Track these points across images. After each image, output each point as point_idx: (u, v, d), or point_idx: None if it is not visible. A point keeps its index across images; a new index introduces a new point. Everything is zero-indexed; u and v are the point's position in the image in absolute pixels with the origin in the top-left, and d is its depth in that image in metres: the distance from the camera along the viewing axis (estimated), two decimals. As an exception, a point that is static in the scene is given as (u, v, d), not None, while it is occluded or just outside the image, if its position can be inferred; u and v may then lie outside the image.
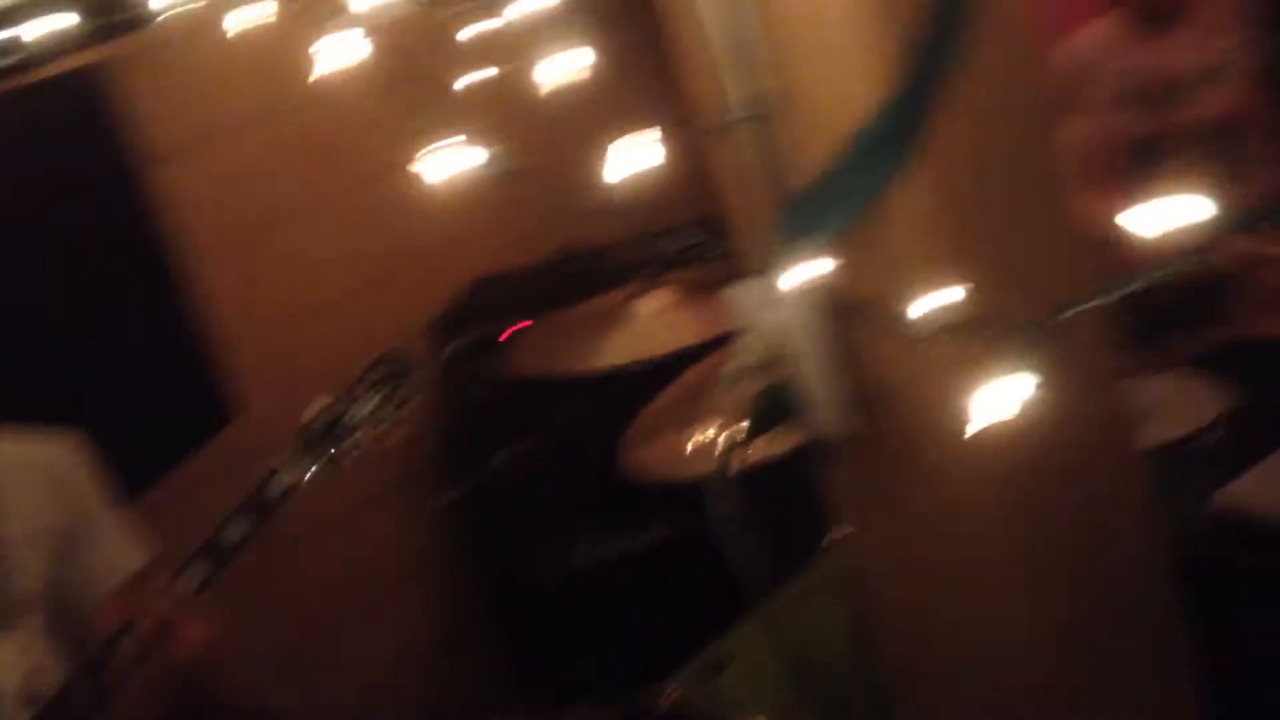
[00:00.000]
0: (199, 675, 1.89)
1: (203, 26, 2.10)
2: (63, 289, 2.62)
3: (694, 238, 2.93)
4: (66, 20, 2.08)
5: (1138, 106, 2.79)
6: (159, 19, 2.06)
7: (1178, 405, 2.35)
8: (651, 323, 2.91)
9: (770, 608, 2.06)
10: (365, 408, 1.89)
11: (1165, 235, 1.03)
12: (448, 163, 1.37)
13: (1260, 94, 2.27)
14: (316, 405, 1.90)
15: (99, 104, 2.74)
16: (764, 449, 1.92)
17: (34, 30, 2.04)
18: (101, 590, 1.98)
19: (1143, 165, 2.84)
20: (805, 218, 1.65)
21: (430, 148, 1.43)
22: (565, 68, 1.46)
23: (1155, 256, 1.05)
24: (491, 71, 1.76)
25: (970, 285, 1.32)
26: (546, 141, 2.51)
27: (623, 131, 1.43)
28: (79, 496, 2.00)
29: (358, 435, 1.88)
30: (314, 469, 1.85)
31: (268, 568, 2.10)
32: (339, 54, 1.60)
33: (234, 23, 1.98)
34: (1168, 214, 1.00)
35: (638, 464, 2.54)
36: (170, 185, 2.87)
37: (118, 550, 2.01)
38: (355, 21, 1.64)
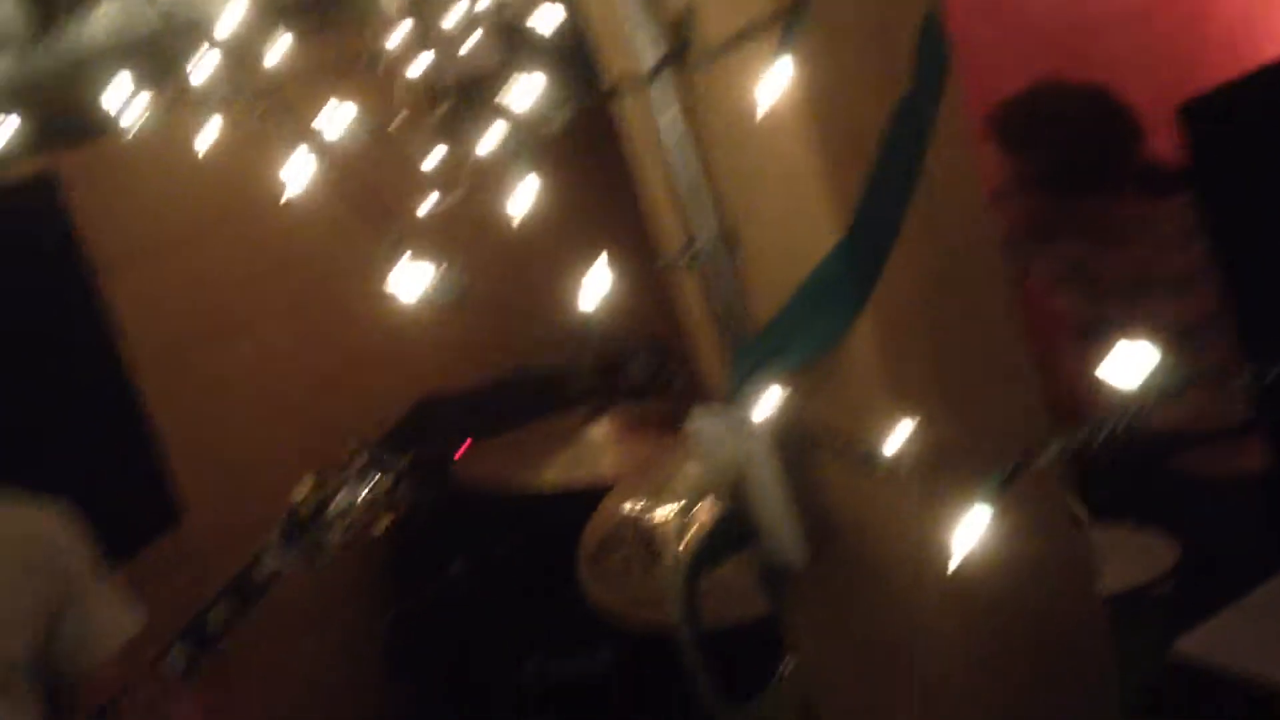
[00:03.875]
0: None
1: (155, 136, 2.08)
2: (8, 393, 2.61)
3: (652, 366, 2.92)
4: (15, 126, 2.06)
5: (1087, 291, 2.81)
6: (111, 128, 2.05)
7: (1129, 555, 2.33)
8: (606, 446, 2.89)
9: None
10: (354, 493, 1.83)
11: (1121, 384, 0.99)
12: (405, 281, 1.35)
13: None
14: (303, 487, 1.83)
15: (49, 210, 2.73)
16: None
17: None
18: (93, 659, 1.97)
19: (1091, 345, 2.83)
20: (761, 355, 1.62)
21: (389, 266, 1.41)
22: (527, 198, 1.44)
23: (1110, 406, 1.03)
24: (452, 197, 1.74)
25: (928, 423, 1.29)
26: (505, 266, 2.50)
27: (586, 260, 1.41)
28: (68, 566, 1.99)
29: (346, 520, 1.82)
30: (300, 554, 1.81)
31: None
32: (296, 172, 1.58)
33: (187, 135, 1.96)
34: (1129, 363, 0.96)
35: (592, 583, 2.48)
36: (120, 293, 2.85)
37: (108, 619, 2.01)
38: (315, 145, 1.63)
